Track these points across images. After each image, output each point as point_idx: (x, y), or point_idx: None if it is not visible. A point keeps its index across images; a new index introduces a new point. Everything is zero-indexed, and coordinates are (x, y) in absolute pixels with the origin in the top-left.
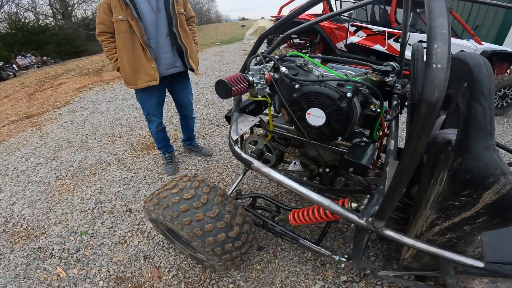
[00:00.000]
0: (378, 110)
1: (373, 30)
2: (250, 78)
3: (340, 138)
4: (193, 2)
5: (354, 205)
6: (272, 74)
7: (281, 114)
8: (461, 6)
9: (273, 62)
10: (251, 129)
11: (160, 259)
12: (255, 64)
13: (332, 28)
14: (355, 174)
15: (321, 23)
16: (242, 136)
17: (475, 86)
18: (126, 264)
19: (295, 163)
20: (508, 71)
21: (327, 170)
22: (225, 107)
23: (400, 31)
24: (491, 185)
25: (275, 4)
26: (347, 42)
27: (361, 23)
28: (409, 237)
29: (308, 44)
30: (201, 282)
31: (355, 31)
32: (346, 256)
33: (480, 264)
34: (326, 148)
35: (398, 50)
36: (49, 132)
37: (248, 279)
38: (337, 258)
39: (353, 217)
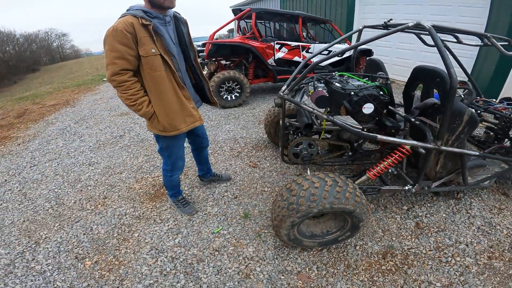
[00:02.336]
0: (387, 98)
1: (292, 45)
2: None
3: (377, 118)
4: (37, 40)
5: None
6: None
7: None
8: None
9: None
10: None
11: (294, 264)
12: (307, 84)
13: (263, 48)
14: (395, 133)
15: (253, 44)
16: (287, 142)
17: (444, 80)
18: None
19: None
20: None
21: (356, 144)
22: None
23: (308, 44)
24: (465, 113)
25: None
26: (276, 58)
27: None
28: (463, 148)
29: (233, 64)
30: (335, 256)
31: (280, 48)
32: (410, 184)
33: (476, 153)
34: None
35: (310, 59)
36: None
37: (361, 239)
38: (407, 188)
39: (427, 144)
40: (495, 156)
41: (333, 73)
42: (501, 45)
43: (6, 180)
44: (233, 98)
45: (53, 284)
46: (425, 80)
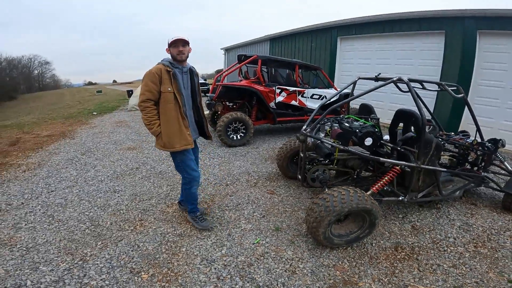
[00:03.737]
0: (379, 132)
1: (290, 90)
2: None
3: (374, 148)
4: (19, 65)
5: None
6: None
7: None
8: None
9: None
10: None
11: (328, 260)
12: (324, 124)
13: (266, 92)
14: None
15: (259, 88)
16: (305, 167)
17: (417, 119)
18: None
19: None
20: None
21: (358, 170)
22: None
23: (303, 89)
24: (433, 141)
25: (120, 65)
26: (276, 101)
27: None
28: (435, 166)
29: (236, 106)
30: (358, 252)
31: (280, 92)
32: (402, 196)
33: (444, 169)
34: (359, 158)
35: (304, 102)
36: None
37: (374, 238)
38: (401, 198)
39: (412, 164)
40: (457, 171)
41: (341, 116)
42: (452, 90)
43: (22, 203)
44: (239, 137)
45: None
46: (404, 120)
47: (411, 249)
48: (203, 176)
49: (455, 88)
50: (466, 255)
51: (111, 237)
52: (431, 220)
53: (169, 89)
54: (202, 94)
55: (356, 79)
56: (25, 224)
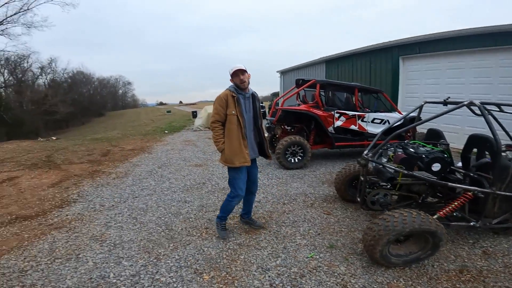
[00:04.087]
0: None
1: (349, 115)
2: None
3: (442, 174)
4: (108, 85)
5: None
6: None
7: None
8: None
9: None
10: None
11: (382, 277)
12: (387, 149)
13: (325, 116)
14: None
15: (318, 113)
16: (365, 190)
17: (492, 144)
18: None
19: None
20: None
21: (423, 195)
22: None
23: (363, 113)
24: (510, 168)
25: (187, 87)
26: (335, 126)
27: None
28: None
29: (295, 130)
30: (416, 272)
31: (339, 117)
32: (474, 221)
33: None
34: (425, 184)
35: (364, 127)
36: None
37: (437, 260)
38: (472, 223)
39: (486, 190)
40: None
41: (406, 141)
42: None
43: (113, 205)
44: (296, 161)
45: None
46: (478, 145)
47: (479, 272)
48: (262, 195)
49: None
50: None
51: (181, 240)
52: (506, 246)
53: (233, 112)
54: None
55: (423, 103)
56: (114, 224)
